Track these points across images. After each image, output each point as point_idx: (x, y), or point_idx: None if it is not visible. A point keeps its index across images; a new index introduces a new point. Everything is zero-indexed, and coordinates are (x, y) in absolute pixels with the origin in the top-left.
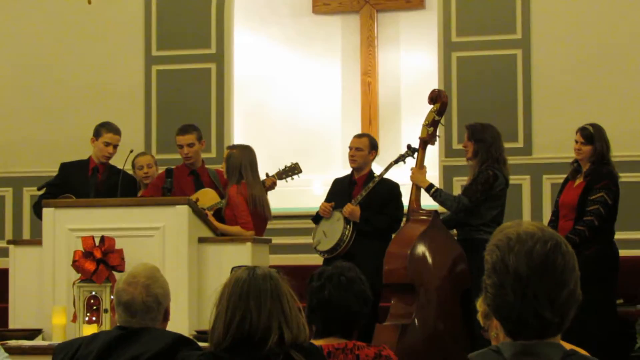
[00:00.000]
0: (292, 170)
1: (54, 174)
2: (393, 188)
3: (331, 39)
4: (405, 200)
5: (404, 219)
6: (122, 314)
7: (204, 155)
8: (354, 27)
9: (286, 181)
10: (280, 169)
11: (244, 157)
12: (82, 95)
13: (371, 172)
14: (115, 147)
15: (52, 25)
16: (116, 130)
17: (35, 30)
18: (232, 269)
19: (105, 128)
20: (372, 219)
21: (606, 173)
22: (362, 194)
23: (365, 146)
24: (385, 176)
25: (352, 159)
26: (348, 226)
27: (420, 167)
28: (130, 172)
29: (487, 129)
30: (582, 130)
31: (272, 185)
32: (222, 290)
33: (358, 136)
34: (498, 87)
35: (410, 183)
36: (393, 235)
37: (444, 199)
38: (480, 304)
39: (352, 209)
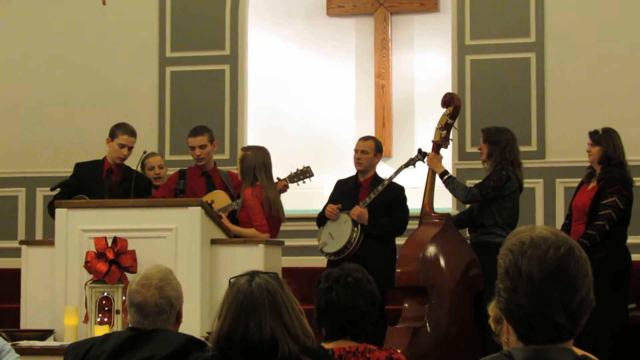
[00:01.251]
0: (304, 173)
1: (68, 174)
2: (399, 191)
3: (345, 41)
4: (416, 203)
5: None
6: (134, 315)
7: (217, 157)
8: (368, 29)
9: (297, 184)
10: (292, 172)
11: (259, 159)
12: (96, 96)
13: (376, 175)
14: (130, 149)
15: (67, 26)
16: (132, 132)
17: (50, 32)
18: (230, 280)
19: (120, 130)
20: (380, 222)
21: (619, 177)
22: (371, 196)
23: (370, 149)
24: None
25: (357, 161)
26: (356, 228)
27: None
28: (169, 172)
29: (501, 132)
30: (591, 132)
31: (284, 189)
32: (222, 303)
33: (364, 139)
34: (511, 90)
35: (423, 186)
36: (405, 238)
37: (456, 186)
38: (492, 309)
39: (360, 211)
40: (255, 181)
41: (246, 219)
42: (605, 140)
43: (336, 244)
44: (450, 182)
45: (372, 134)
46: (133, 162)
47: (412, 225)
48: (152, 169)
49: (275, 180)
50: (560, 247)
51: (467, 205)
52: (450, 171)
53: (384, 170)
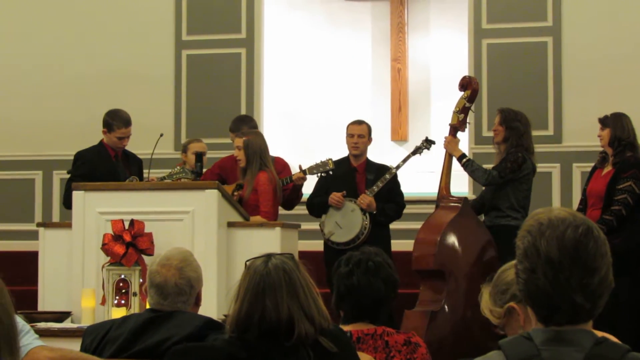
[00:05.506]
0: (325, 165)
1: None
2: (393, 176)
3: (361, 24)
4: (432, 187)
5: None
6: (154, 296)
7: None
8: (384, 13)
9: (317, 176)
10: (313, 164)
11: (262, 143)
12: (113, 79)
13: (368, 159)
14: (128, 137)
15: (84, 9)
16: (127, 122)
17: (67, 15)
18: (246, 262)
19: (116, 123)
20: (387, 209)
21: (634, 162)
22: (378, 185)
23: (366, 133)
24: (382, 163)
25: (354, 146)
26: (365, 217)
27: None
28: (179, 157)
29: (520, 116)
30: (601, 118)
31: (300, 180)
32: (238, 286)
33: (358, 123)
34: (528, 74)
35: (440, 170)
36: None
37: (475, 169)
38: (485, 301)
39: (370, 200)
40: (263, 165)
41: (254, 202)
42: (614, 123)
43: (346, 234)
44: (469, 165)
45: (389, 117)
46: (150, 145)
47: (429, 208)
48: (194, 154)
49: (297, 169)
50: (579, 227)
51: (483, 188)
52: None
53: (401, 154)
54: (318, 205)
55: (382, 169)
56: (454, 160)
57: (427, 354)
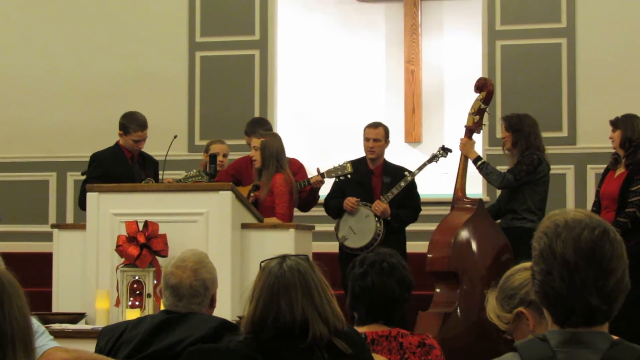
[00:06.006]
0: (342, 169)
1: None
2: (410, 180)
3: (375, 26)
4: (448, 189)
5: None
6: (169, 297)
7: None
8: (398, 14)
9: (335, 180)
10: (331, 167)
11: (280, 145)
12: (126, 80)
13: (386, 162)
14: (145, 139)
15: (98, 10)
16: (143, 125)
17: (80, 17)
18: (260, 263)
19: (132, 127)
20: (401, 215)
21: None
22: (393, 192)
23: (382, 136)
24: (399, 164)
25: (370, 150)
26: (379, 224)
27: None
28: (199, 157)
29: (523, 118)
30: (612, 120)
31: (318, 183)
32: (252, 288)
33: (374, 126)
34: (542, 76)
35: (455, 172)
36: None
37: (490, 171)
38: (491, 306)
39: (384, 207)
40: (279, 167)
41: (270, 204)
42: (624, 124)
43: (360, 240)
44: (484, 168)
45: (402, 119)
46: (164, 146)
47: (444, 210)
48: (208, 155)
49: (315, 172)
50: (595, 228)
51: (499, 191)
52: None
53: (414, 156)
54: (334, 208)
55: (399, 171)
56: (470, 162)
57: (441, 355)
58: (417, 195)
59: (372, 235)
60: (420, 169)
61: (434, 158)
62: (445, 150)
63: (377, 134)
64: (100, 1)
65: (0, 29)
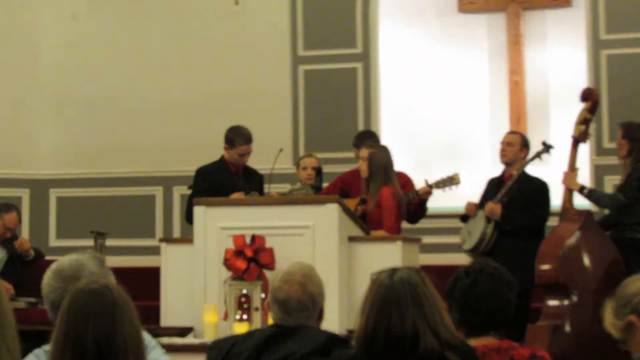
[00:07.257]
0: (451, 180)
1: None
2: (538, 186)
3: (477, 37)
4: (557, 199)
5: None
6: (277, 312)
7: (350, 155)
8: (500, 25)
9: (443, 191)
10: (439, 178)
11: (388, 158)
12: (230, 96)
13: (524, 172)
14: (249, 153)
15: (201, 27)
16: (249, 139)
17: (184, 33)
18: (371, 275)
19: (238, 140)
20: (512, 217)
21: None
22: (502, 191)
23: (516, 142)
24: (533, 174)
25: (502, 153)
26: (489, 225)
27: (572, 168)
28: (293, 171)
29: None
30: None
31: (426, 194)
32: (364, 299)
33: (511, 132)
34: None
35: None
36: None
37: (598, 197)
38: (608, 315)
39: (492, 207)
40: (387, 180)
41: (378, 217)
42: None
43: (472, 241)
44: (592, 195)
45: (507, 130)
46: (268, 160)
47: (553, 222)
48: (305, 169)
49: (423, 183)
50: None
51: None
52: (588, 168)
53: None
54: (462, 216)
55: (529, 180)
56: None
57: None
58: (542, 203)
59: (479, 236)
60: (523, 166)
61: (537, 155)
62: (547, 147)
63: (510, 138)
64: (203, 18)
65: (111, 53)
